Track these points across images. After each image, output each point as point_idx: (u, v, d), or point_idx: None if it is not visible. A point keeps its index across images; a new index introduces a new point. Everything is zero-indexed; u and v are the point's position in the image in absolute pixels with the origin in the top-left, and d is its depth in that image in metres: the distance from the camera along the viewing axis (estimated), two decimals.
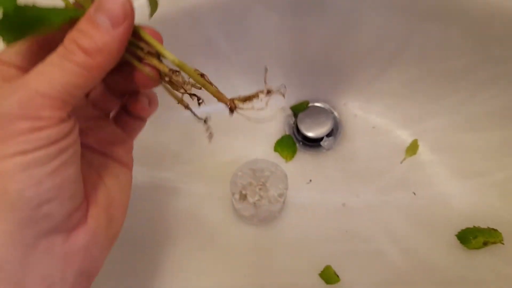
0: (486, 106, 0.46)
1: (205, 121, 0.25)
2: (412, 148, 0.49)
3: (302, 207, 0.47)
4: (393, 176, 0.48)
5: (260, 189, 0.44)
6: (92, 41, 0.20)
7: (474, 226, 0.42)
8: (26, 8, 0.21)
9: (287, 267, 0.43)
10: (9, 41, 0.21)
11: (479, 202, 0.44)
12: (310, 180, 0.49)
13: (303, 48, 0.48)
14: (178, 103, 0.25)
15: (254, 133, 0.50)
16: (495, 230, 0.41)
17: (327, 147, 0.50)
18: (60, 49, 0.21)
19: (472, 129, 0.47)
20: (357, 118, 0.52)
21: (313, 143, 0.51)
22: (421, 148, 0.49)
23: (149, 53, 0.23)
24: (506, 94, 0.44)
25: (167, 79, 0.24)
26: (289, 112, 0.52)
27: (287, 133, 0.51)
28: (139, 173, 0.44)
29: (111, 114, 0.29)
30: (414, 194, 0.47)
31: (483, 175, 0.46)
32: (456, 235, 0.42)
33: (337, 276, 0.42)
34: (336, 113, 0.52)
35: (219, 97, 0.22)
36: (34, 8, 0.21)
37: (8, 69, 0.23)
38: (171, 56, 0.23)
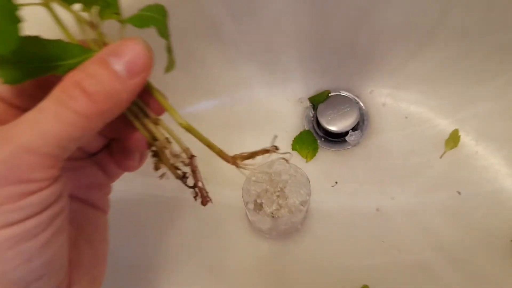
0: None
1: (196, 188, 0.25)
2: (453, 140, 0.47)
3: (328, 215, 0.45)
4: (432, 174, 0.46)
5: (278, 196, 0.41)
6: (101, 86, 0.19)
7: None
8: (29, 41, 0.19)
9: None
10: (10, 81, 0.19)
11: None
12: (336, 182, 0.47)
13: (322, 27, 0.46)
14: (169, 170, 0.25)
15: (269, 130, 0.49)
16: None
17: (353, 142, 0.49)
18: (56, 93, 0.19)
19: None
20: (386, 108, 0.50)
21: (337, 139, 0.49)
22: (464, 139, 0.47)
23: (146, 115, 0.23)
24: None
25: (154, 148, 0.24)
26: (308, 103, 0.51)
27: (306, 128, 0.50)
28: (132, 181, 0.43)
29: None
30: (459, 193, 0.45)
31: None
32: None
33: None
34: (361, 103, 0.51)
35: (223, 156, 0.24)
36: (39, 42, 0.19)
37: None
38: (179, 118, 0.22)
